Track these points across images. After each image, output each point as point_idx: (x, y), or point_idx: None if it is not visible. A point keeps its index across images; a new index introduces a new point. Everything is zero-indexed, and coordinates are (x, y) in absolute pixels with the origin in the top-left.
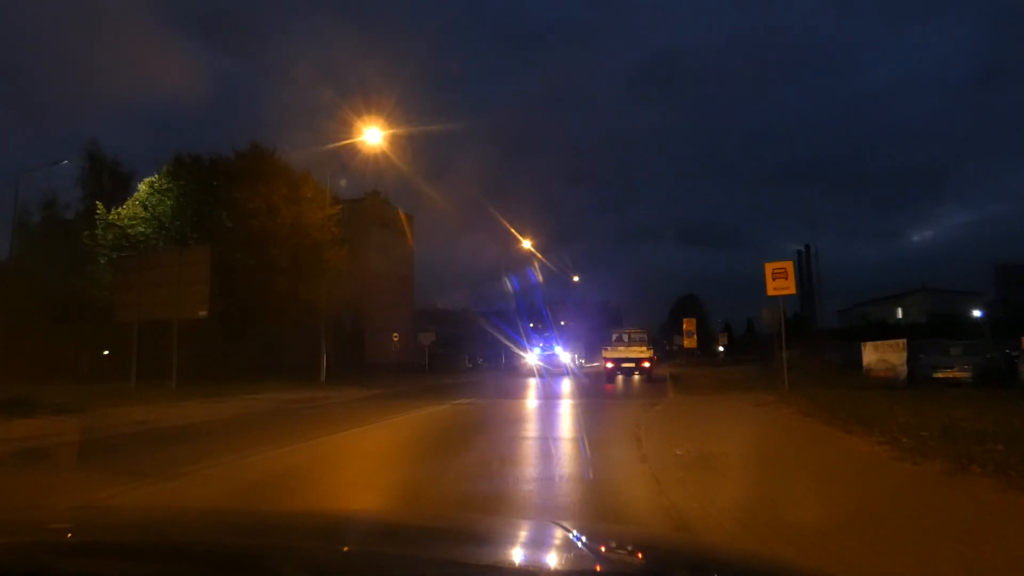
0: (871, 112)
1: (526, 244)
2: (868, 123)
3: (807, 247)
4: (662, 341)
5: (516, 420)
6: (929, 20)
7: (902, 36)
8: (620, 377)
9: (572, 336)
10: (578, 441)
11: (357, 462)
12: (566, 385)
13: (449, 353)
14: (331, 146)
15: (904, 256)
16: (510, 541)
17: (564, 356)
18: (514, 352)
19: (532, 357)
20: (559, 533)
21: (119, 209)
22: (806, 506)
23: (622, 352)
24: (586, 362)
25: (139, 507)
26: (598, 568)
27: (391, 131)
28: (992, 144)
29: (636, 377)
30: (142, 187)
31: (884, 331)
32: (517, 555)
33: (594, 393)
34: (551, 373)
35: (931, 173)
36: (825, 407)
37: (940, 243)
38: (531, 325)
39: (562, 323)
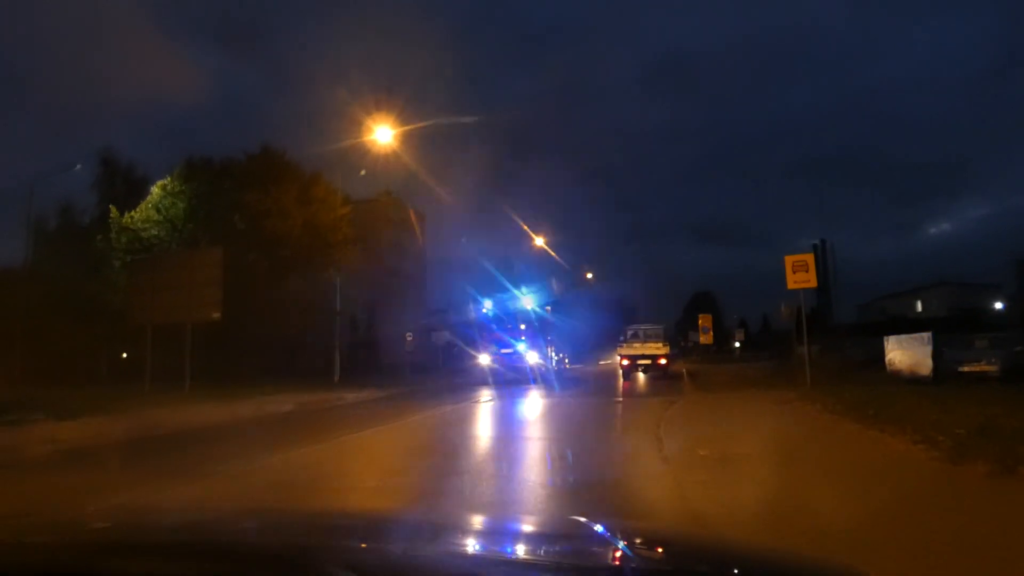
0: (886, 106)
1: (539, 241)
2: (883, 117)
3: (823, 241)
4: (677, 338)
5: (534, 417)
6: (943, 12)
7: (915, 29)
8: (637, 374)
9: (562, 332)
10: (596, 441)
11: (376, 462)
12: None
13: (464, 352)
14: (342, 146)
15: (922, 250)
16: (542, 537)
17: (532, 356)
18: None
19: (485, 358)
20: (588, 529)
21: (132, 213)
22: (844, 512)
23: (638, 349)
24: (571, 362)
25: (177, 507)
26: (628, 564)
27: (401, 129)
28: (1010, 137)
29: (649, 374)
30: (155, 190)
31: (904, 325)
32: (550, 551)
33: (605, 392)
34: (508, 380)
35: (948, 166)
36: (852, 404)
37: (959, 236)
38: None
39: (547, 309)
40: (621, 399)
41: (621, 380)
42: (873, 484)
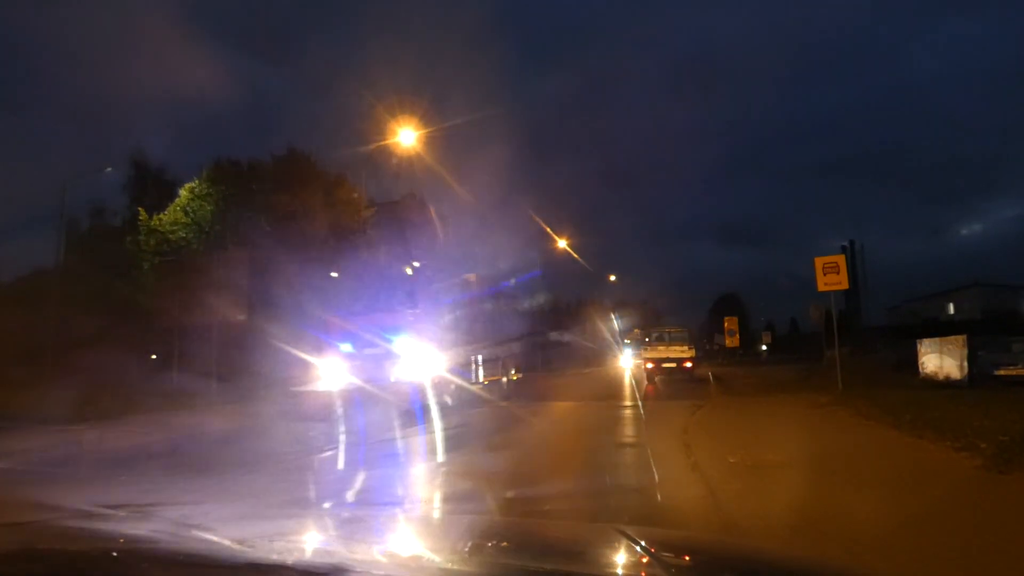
0: (915, 104)
1: (562, 243)
2: (912, 116)
3: (851, 243)
4: (702, 340)
5: (555, 423)
6: (973, 8)
7: (946, 25)
8: (660, 379)
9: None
10: (623, 447)
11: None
12: None
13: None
14: (366, 149)
15: (953, 251)
16: (575, 546)
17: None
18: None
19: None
20: (617, 536)
21: (160, 215)
22: (884, 524)
23: (662, 352)
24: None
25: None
26: (658, 572)
27: (425, 131)
28: None
29: (676, 378)
30: (183, 193)
31: (937, 328)
32: (583, 559)
33: (620, 399)
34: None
35: (979, 166)
36: (887, 409)
37: (991, 237)
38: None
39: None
40: (646, 403)
41: (645, 383)
42: (914, 494)
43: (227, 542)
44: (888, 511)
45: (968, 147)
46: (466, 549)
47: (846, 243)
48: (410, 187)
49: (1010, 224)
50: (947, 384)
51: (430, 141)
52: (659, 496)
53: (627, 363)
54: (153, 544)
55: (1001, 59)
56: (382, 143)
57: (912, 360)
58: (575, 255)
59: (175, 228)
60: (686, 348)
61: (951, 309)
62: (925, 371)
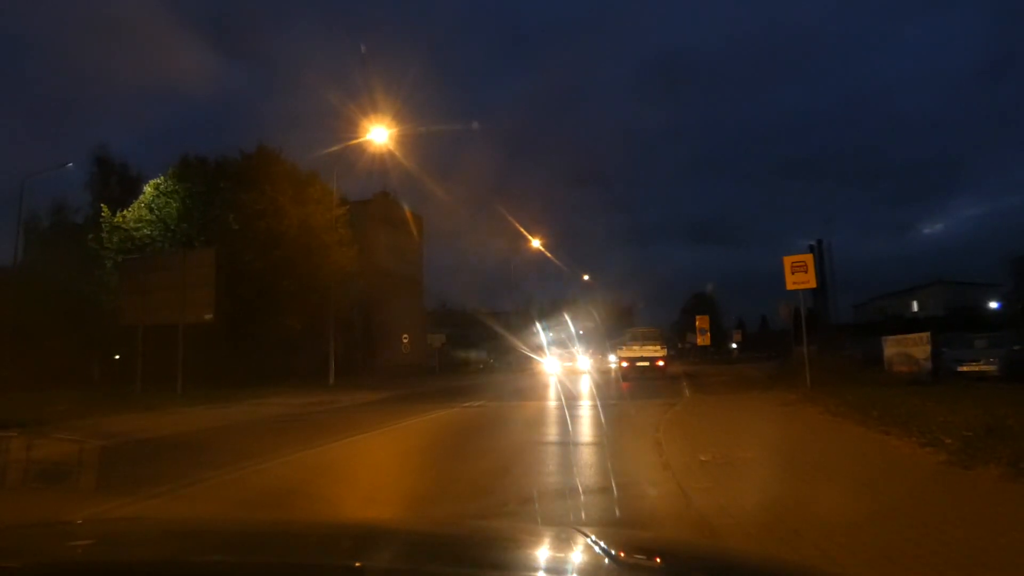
0: (879, 106)
1: (535, 243)
2: (876, 117)
3: (819, 242)
4: (674, 339)
5: (528, 423)
6: (936, 12)
7: (909, 28)
8: (634, 377)
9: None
10: (595, 446)
11: (361, 472)
12: None
13: (461, 354)
14: (338, 147)
15: (917, 250)
16: (531, 548)
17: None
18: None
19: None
20: (580, 539)
21: (124, 212)
22: (855, 520)
23: (636, 351)
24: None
25: (148, 521)
26: (617, 572)
27: (396, 129)
28: (1002, 136)
29: (650, 376)
30: (148, 189)
31: (902, 325)
32: (538, 561)
33: (599, 397)
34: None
35: (941, 166)
36: (855, 406)
37: (953, 236)
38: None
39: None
40: (620, 402)
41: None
42: (881, 490)
43: None
44: (856, 507)
45: (931, 148)
46: (418, 554)
47: (813, 242)
48: (383, 185)
49: (971, 223)
50: (912, 380)
51: (402, 142)
52: (630, 495)
53: (554, 368)
54: None
55: (961, 61)
56: (353, 141)
57: (878, 357)
58: (548, 254)
59: (139, 225)
60: (659, 348)
61: (915, 306)
62: (890, 368)
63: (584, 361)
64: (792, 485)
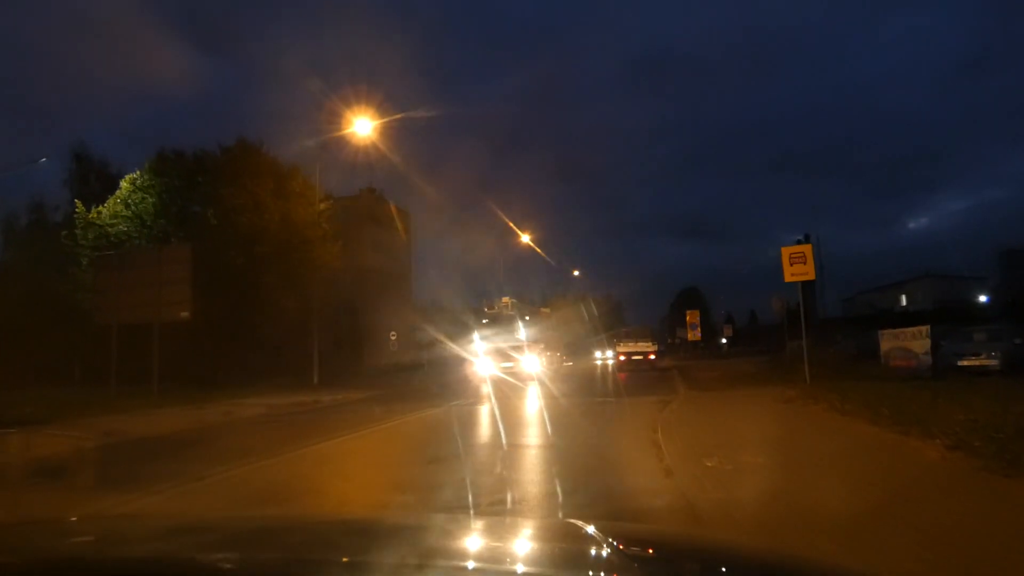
0: (862, 101)
1: (525, 239)
2: (860, 112)
3: (806, 236)
4: (664, 335)
5: (516, 423)
6: (918, 8)
7: (892, 24)
8: (629, 371)
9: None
10: (588, 451)
11: (339, 479)
12: None
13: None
14: (320, 140)
15: (903, 243)
16: (531, 540)
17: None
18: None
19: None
20: (579, 531)
21: (99, 208)
22: (896, 543)
23: (631, 347)
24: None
25: (145, 518)
26: (615, 562)
27: (380, 121)
28: (983, 130)
29: (643, 372)
30: (123, 184)
31: (892, 319)
32: (538, 553)
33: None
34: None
35: (924, 160)
36: (861, 403)
37: (937, 229)
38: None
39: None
40: (615, 398)
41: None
42: (921, 503)
43: None
44: (898, 526)
45: (914, 142)
46: (424, 547)
47: (801, 236)
48: (369, 182)
49: (955, 216)
50: (911, 374)
51: (388, 137)
52: (630, 513)
53: (484, 371)
54: None
55: (944, 56)
56: (336, 133)
57: (872, 350)
58: (538, 250)
59: (115, 222)
60: (650, 344)
61: (904, 300)
62: (888, 362)
63: (532, 361)
64: (813, 495)
